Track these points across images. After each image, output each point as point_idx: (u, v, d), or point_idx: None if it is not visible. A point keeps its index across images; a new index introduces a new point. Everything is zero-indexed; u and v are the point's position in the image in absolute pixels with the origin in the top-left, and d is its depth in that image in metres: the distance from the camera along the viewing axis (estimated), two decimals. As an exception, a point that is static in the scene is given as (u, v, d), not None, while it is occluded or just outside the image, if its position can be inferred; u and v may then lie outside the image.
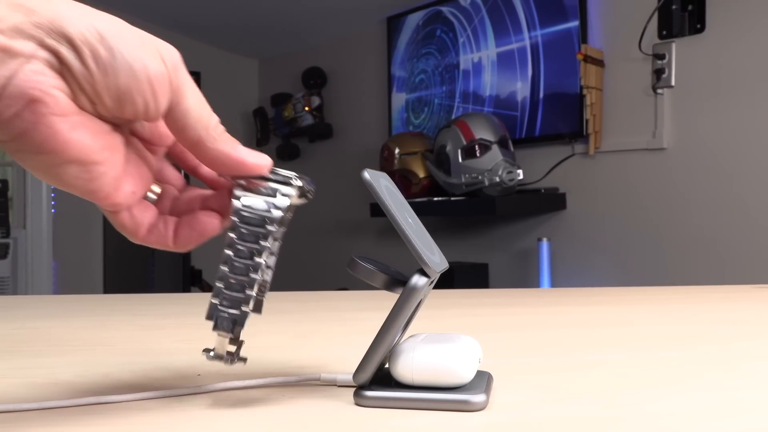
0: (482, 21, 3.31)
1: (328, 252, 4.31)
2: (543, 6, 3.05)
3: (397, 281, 0.46)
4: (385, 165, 3.36)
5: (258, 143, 4.69)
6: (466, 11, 3.39)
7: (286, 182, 0.44)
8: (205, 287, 4.08)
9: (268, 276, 0.45)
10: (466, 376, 0.46)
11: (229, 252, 0.44)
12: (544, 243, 2.94)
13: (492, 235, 3.37)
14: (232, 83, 4.90)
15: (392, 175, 3.32)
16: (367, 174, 0.45)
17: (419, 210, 3.15)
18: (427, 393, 0.46)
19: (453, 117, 3.36)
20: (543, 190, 3.03)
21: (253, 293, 0.44)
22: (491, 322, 0.85)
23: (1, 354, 0.64)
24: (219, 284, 0.44)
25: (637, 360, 0.61)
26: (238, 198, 0.44)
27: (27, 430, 0.41)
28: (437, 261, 0.48)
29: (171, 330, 0.78)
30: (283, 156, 4.52)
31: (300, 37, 4.48)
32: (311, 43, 4.50)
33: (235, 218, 0.43)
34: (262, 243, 0.43)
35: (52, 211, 4.44)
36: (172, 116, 0.40)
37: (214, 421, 0.43)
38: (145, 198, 0.44)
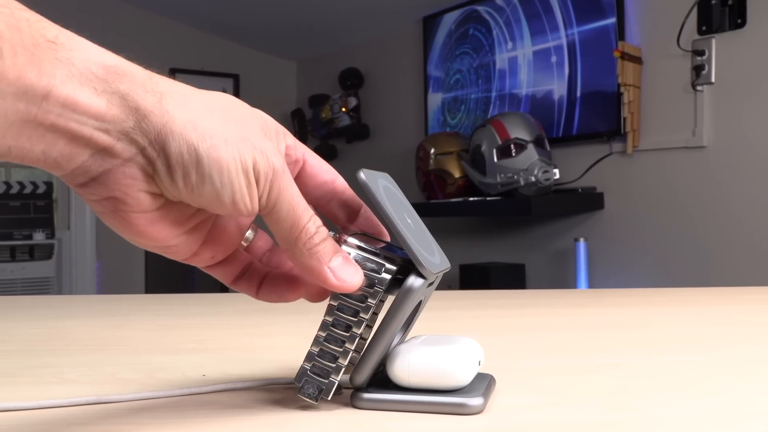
0: (518, 19, 3.28)
1: (365, 252, 4.31)
2: (580, 3, 3.01)
3: (394, 282, 0.46)
4: (420, 165, 3.35)
5: (296, 144, 4.71)
6: (501, 10, 3.36)
7: (391, 258, 0.45)
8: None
9: (362, 347, 0.46)
10: (463, 378, 0.45)
11: (328, 319, 0.44)
12: (581, 243, 2.90)
13: (528, 235, 3.33)
14: (270, 85, 4.94)
15: (428, 175, 3.31)
16: (362, 174, 0.45)
17: (455, 210, 3.15)
18: (424, 396, 0.45)
19: (488, 117, 3.33)
20: (580, 190, 2.99)
21: (345, 363, 0.44)
22: (505, 323, 0.84)
23: (14, 353, 0.65)
24: (313, 349, 0.45)
25: (652, 363, 0.60)
26: None
27: (22, 429, 0.41)
28: (436, 262, 0.47)
29: (186, 330, 0.79)
30: (321, 157, 4.54)
31: (337, 38, 4.50)
32: (348, 44, 4.51)
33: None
34: (362, 315, 0.44)
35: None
36: (264, 219, 0.40)
37: (212, 421, 0.43)
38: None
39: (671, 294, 1.13)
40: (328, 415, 0.44)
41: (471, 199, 3.09)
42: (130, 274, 4.61)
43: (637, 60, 2.81)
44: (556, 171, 2.83)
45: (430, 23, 3.79)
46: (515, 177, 2.85)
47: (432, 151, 3.30)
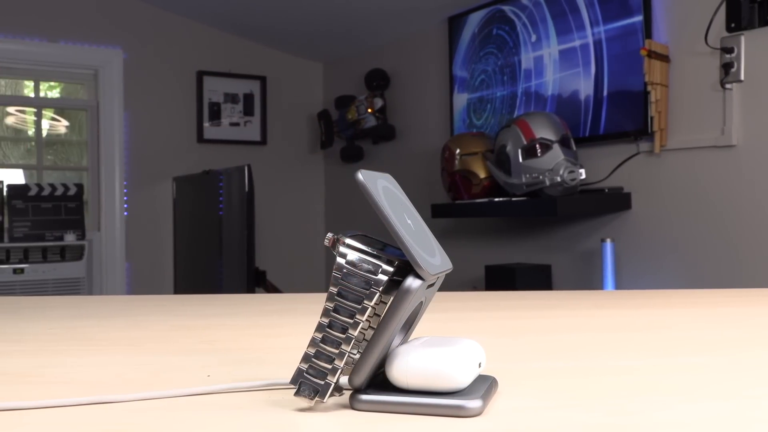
0: (544, 18, 3.25)
1: (392, 253, 4.30)
2: (606, 1, 2.98)
3: (393, 284, 0.45)
4: (446, 166, 3.34)
5: (322, 146, 4.73)
6: (527, 9, 3.34)
7: (389, 260, 0.45)
8: (269, 288, 4.14)
9: (358, 349, 0.46)
10: (462, 381, 0.45)
11: (324, 320, 0.44)
12: (608, 244, 2.87)
13: (554, 235, 3.31)
14: (297, 87, 4.96)
15: (453, 175, 3.30)
16: (360, 176, 0.45)
17: (480, 210, 3.13)
18: (422, 398, 0.45)
19: (514, 117, 3.31)
20: (607, 190, 2.96)
21: (341, 365, 0.44)
22: (517, 325, 0.83)
23: (27, 353, 0.66)
24: (310, 350, 0.45)
25: (662, 366, 0.59)
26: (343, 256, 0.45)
27: (19, 429, 0.41)
28: (436, 263, 0.47)
29: (199, 330, 0.79)
30: (347, 158, 4.55)
31: (363, 39, 4.50)
32: (374, 45, 4.51)
33: (334, 288, 0.44)
34: (358, 317, 0.44)
35: (125, 214, 4.58)
36: None
37: (208, 423, 0.43)
38: None
39: (697, 296, 1.11)
40: (326, 417, 0.44)
41: (496, 199, 3.08)
42: (159, 274, 4.66)
43: (664, 58, 2.77)
44: (582, 171, 2.80)
45: (455, 23, 3.77)
46: (540, 177, 2.83)
47: (457, 151, 3.28)
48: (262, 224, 4.65)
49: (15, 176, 4.52)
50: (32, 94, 4.55)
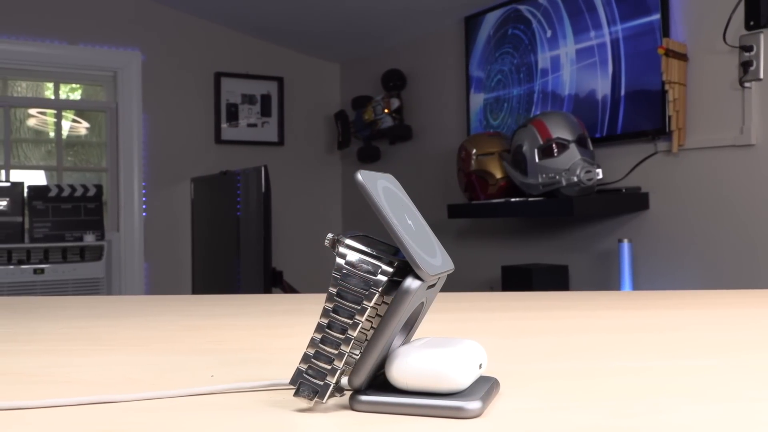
0: (560, 17, 3.24)
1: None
2: (623, 0, 2.96)
3: (393, 284, 0.45)
4: (462, 166, 3.34)
5: (339, 146, 4.74)
6: (543, 8, 3.33)
7: (389, 260, 0.45)
8: (286, 288, 4.15)
9: (358, 350, 0.46)
10: (461, 382, 0.45)
11: (324, 321, 0.44)
12: (625, 244, 2.85)
13: (571, 236, 3.29)
14: (314, 87, 4.97)
15: (469, 176, 3.29)
16: (359, 176, 0.45)
17: (496, 211, 3.12)
18: (421, 399, 0.45)
19: (530, 116, 3.30)
20: (624, 190, 2.94)
21: (340, 366, 0.44)
22: (525, 325, 0.83)
23: (36, 353, 0.66)
24: (309, 351, 0.45)
25: (669, 367, 0.58)
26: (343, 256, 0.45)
27: (25, 427, 0.42)
28: (436, 264, 0.47)
29: (208, 331, 0.79)
30: (364, 158, 4.55)
31: (380, 39, 4.51)
32: (391, 45, 4.51)
33: (333, 289, 0.44)
34: (357, 318, 0.44)
35: (143, 214, 4.62)
36: None
37: (206, 422, 0.43)
38: None
39: (712, 296, 1.10)
40: (325, 417, 0.44)
41: (513, 199, 3.07)
42: (177, 275, 4.69)
43: (682, 57, 2.75)
44: (599, 171, 2.78)
45: (471, 23, 3.76)
46: (557, 177, 2.82)
47: (473, 151, 3.28)
48: (279, 225, 4.67)
49: (36, 177, 4.57)
50: (52, 97, 4.60)
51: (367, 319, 0.45)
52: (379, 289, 0.44)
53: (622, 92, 2.99)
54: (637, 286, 2.91)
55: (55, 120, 4.59)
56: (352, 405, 0.45)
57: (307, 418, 0.44)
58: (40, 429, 0.41)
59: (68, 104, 4.67)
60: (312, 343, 0.45)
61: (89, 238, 4.32)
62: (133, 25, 4.49)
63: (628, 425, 0.42)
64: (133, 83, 4.52)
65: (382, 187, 0.47)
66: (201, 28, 4.62)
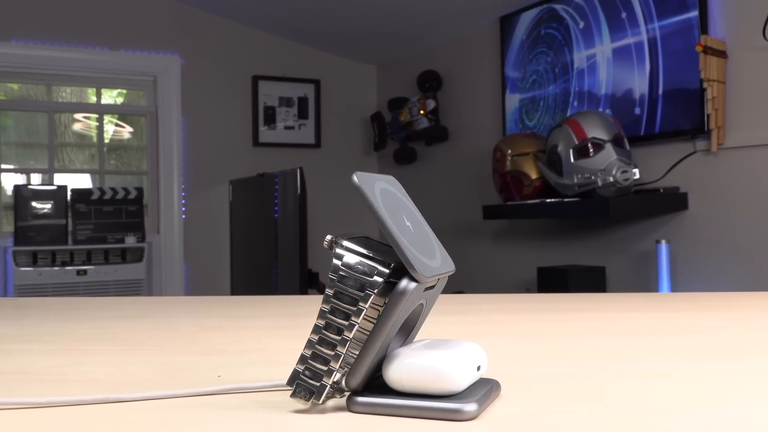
0: (596, 16, 3.20)
1: (445, 255, 4.29)
2: (660, -3, 2.92)
3: (387, 287, 0.45)
4: (497, 166, 3.32)
5: (375, 148, 4.75)
6: (579, 7, 3.29)
7: (386, 262, 0.45)
8: (322, 289, 4.17)
9: (355, 351, 0.46)
10: (457, 384, 0.45)
11: (320, 322, 0.45)
12: (663, 245, 2.80)
13: (608, 237, 3.24)
14: (351, 89, 4.99)
15: (504, 176, 3.27)
16: (355, 178, 0.45)
17: (532, 212, 3.10)
18: (417, 400, 0.44)
19: (566, 116, 3.26)
20: (662, 190, 2.89)
21: (336, 367, 0.45)
22: (540, 327, 0.82)
23: (54, 352, 0.68)
24: (306, 352, 0.45)
25: (676, 371, 0.57)
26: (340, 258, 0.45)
27: (30, 425, 0.43)
28: (434, 266, 0.47)
29: (226, 332, 0.80)
30: (401, 160, 4.56)
31: (416, 40, 4.50)
32: (426, 46, 4.51)
33: (330, 290, 0.45)
34: (353, 319, 0.44)
35: (183, 216, 4.68)
36: None
37: (202, 422, 0.44)
38: None
39: (745, 298, 1.08)
40: (322, 419, 0.44)
41: (548, 200, 3.04)
42: (216, 276, 4.75)
43: (721, 54, 2.70)
44: (636, 171, 2.74)
45: (507, 23, 3.74)
46: (593, 177, 2.78)
47: (508, 152, 3.25)
48: (316, 226, 4.70)
49: (80, 180, 4.66)
50: (95, 101, 4.69)
51: (363, 321, 0.45)
52: (375, 291, 0.44)
53: (660, 91, 2.94)
54: (675, 287, 2.86)
55: (97, 124, 4.68)
56: (349, 406, 0.46)
57: (304, 419, 0.44)
58: (40, 426, 0.42)
59: (109, 109, 4.76)
60: (309, 344, 0.45)
61: (130, 240, 4.40)
62: (172, 31, 4.56)
63: (627, 428, 0.41)
64: (173, 87, 4.59)
65: (380, 189, 0.47)
66: (238, 32, 4.67)
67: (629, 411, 0.45)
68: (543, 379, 0.54)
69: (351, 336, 0.44)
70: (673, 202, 2.89)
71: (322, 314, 0.45)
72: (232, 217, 4.73)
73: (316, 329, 0.45)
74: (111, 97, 4.81)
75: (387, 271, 0.44)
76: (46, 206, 4.26)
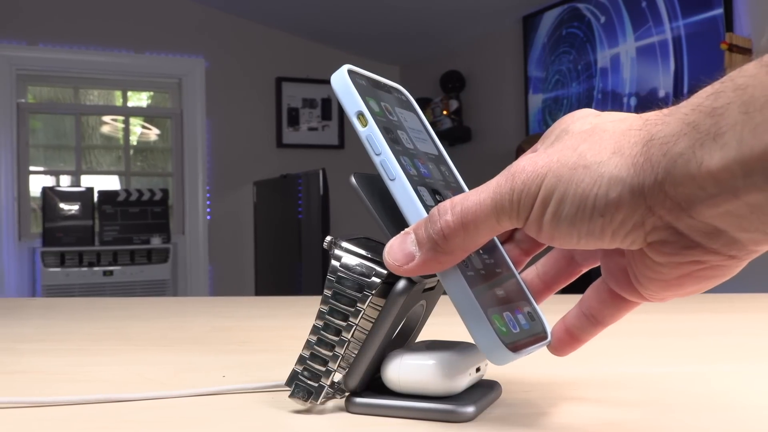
0: (620, 14, 3.17)
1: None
2: (685, -5, 2.89)
3: (385, 288, 0.45)
4: (519, 167, 3.30)
5: (399, 148, 4.75)
6: (602, 5, 3.26)
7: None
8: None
9: (353, 351, 0.46)
10: (453, 385, 0.44)
11: (319, 323, 0.45)
12: (688, 246, 2.77)
13: (634, 238, 3.21)
14: (374, 90, 5.00)
15: (527, 177, 3.25)
16: (353, 179, 0.45)
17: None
18: (413, 401, 0.44)
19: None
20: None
21: (334, 368, 0.45)
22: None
23: (65, 352, 0.69)
24: (305, 352, 0.46)
25: (683, 373, 0.56)
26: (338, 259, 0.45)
27: (20, 424, 0.44)
28: (434, 266, 0.47)
29: (235, 332, 0.81)
30: (423, 160, 4.56)
31: (439, 41, 4.50)
32: (449, 47, 4.50)
33: (328, 291, 0.45)
34: (351, 320, 0.44)
35: (208, 218, 4.72)
36: None
37: (200, 422, 0.44)
38: None
39: None
40: (319, 419, 0.44)
41: (571, 201, 3.01)
42: (240, 276, 4.78)
43: (747, 52, 2.66)
44: (660, 171, 2.71)
45: (529, 23, 3.72)
46: (616, 178, 2.76)
47: (531, 152, 3.24)
48: (340, 226, 4.71)
49: (108, 182, 4.72)
50: (122, 104, 4.75)
51: (361, 322, 0.45)
52: (373, 292, 0.44)
53: (685, 90, 2.91)
54: (716, 288, 2.82)
55: (123, 126, 4.74)
56: (347, 407, 0.46)
57: (302, 419, 0.44)
58: (37, 425, 0.43)
59: (135, 111, 4.82)
60: (307, 344, 0.45)
61: (156, 241, 4.45)
62: (196, 33, 4.60)
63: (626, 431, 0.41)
64: (197, 90, 4.63)
65: (380, 189, 0.47)
66: (262, 34, 4.70)
67: (628, 412, 0.45)
68: (546, 381, 0.54)
69: (349, 337, 0.44)
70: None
71: (320, 315, 0.45)
72: (256, 218, 4.76)
73: (314, 330, 0.45)
74: (139, 99, 4.87)
75: (385, 272, 0.44)
76: (73, 208, 4.32)
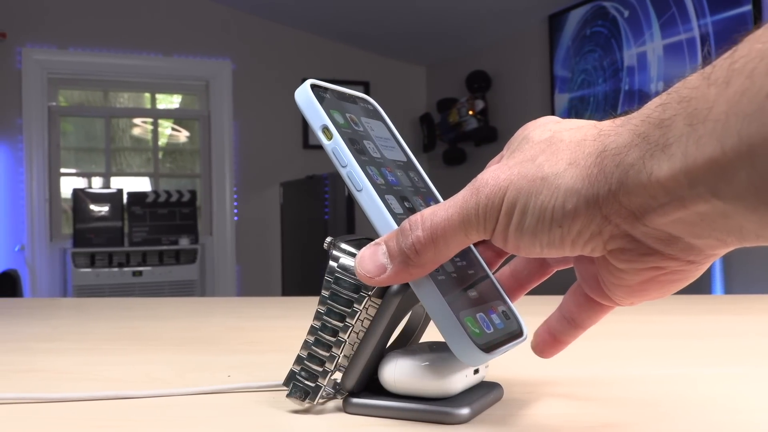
0: (646, 12, 3.14)
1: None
2: (713, -8, 2.85)
3: (383, 288, 0.46)
4: (545, 167, 3.28)
5: (425, 149, 4.74)
6: (628, 3, 3.23)
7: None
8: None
9: (350, 352, 0.46)
10: (449, 386, 0.44)
11: (316, 323, 0.45)
12: (717, 246, 2.73)
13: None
14: (400, 91, 5.00)
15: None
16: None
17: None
18: (409, 402, 0.44)
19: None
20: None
21: (332, 368, 0.45)
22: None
23: (79, 351, 0.70)
24: (302, 353, 0.46)
25: (687, 375, 0.56)
26: (337, 260, 0.45)
27: (27, 420, 0.44)
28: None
29: (247, 332, 0.81)
30: (450, 161, 4.54)
31: (464, 41, 4.49)
32: (475, 46, 4.49)
33: (326, 292, 0.46)
34: (348, 321, 0.44)
35: (235, 218, 4.76)
36: None
37: (198, 421, 0.44)
38: None
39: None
40: (316, 419, 0.45)
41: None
42: (267, 277, 4.81)
43: (777, 49, 2.61)
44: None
45: (555, 21, 3.70)
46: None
47: (557, 152, 3.22)
48: (366, 227, 4.71)
49: (138, 183, 4.78)
50: (152, 106, 4.80)
51: (358, 322, 0.45)
52: (369, 293, 0.44)
53: (713, 88, 2.87)
54: (729, 289, 2.78)
55: (151, 128, 4.79)
56: (344, 407, 0.46)
57: (299, 419, 0.45)
58: (36, 423, 0.44)
59: (163, 113, 4.87)
60: (305, 345, 0.46)
61: (184, 242, 4.49)
62: (223, 36, 4.64)
63: (618, 434, 0.41)
64: (225, 92, 4.67)
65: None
66: (288, 36, 4.72)
67: (627, 414, 0.44)
68: (548, 383, 0.54)
69: (346, 337, 0.45)
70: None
71: (318, 316, 0.45)
72: (283, 219, 4.79)
73: (312, 330, 0.46)
74: (170, 102, 4.92)
75: None
76: (103, 209, 4.38)
